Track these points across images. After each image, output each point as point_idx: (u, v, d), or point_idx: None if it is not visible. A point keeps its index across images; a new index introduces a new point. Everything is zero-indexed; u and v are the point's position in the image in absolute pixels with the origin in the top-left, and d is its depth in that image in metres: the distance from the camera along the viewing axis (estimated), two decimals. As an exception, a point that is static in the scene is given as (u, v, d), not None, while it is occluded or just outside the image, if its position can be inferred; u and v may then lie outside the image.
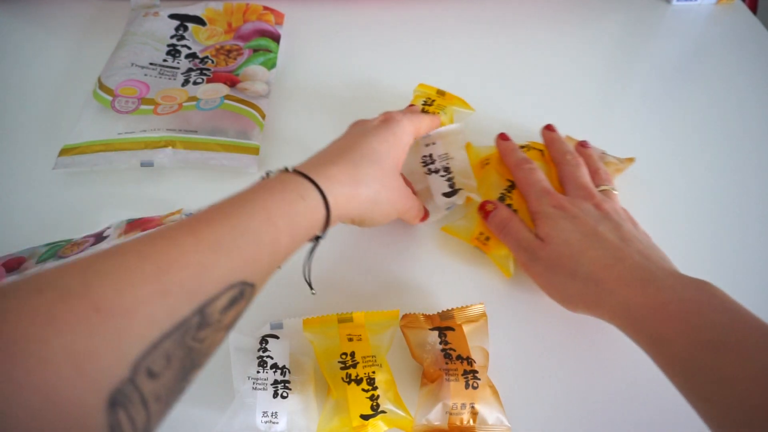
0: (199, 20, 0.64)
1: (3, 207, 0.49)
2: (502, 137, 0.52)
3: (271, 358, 0.38)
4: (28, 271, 0.43)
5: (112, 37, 0.62)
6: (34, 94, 0.59)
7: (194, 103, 0.55)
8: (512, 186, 0.49)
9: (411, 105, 0.53)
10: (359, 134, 0.41)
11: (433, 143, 0.51)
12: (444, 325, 0.41)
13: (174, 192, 0.51)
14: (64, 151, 0.51)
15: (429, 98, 0.53)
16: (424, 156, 0.50)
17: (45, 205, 0.50)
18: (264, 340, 0.39)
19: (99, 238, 0.45)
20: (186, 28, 0.63)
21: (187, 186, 0.51)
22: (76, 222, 0.48)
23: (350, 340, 0.40)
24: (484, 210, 0.47)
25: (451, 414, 0.37)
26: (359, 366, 0.38)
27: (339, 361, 0.39)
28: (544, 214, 0.43)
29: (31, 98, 0.58)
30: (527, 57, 0.65)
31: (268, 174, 0.36)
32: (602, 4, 0.72)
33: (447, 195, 0.48)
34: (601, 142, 0.53)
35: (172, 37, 0.62)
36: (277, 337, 0.40)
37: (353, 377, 0.38)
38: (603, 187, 0.47)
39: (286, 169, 0.36)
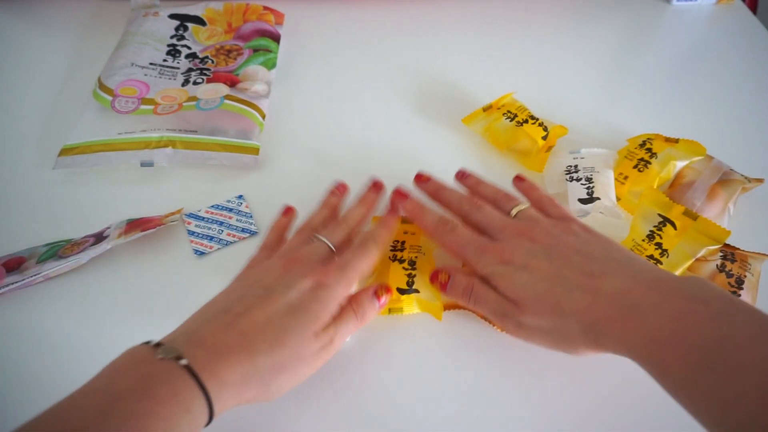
0: (199, 20, 0.64)
1: (3, 207, 0.49)
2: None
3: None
4: (27, 270, 0.43)
5: (112, 37, 0.62)
6: (34, 94, 0.59)
7: (194, 103, 0.55)
8: (664, 222, 0.46)
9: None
10: (271, 308, 0.36)
11: (582, 157, 0.51)
12: None
13: (174, 192, 0.51)
14: (64, 151, 0.51)
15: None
16: (569, 166, 0.50)
17: (45, 205, 0.50)
18: None
19: (99, 238, 0.45)
20: (186, 28, 0.63)
21: (187, 186, 0.51)
22: (76, 222, 0.48)
23: (405, 233, 0.46)
24: (437, 281, 0.42)
25: None
26: (405, 251, 0.44)
27: (390, 245, 0.44)
28: (496, 275, 0.39)
29: (31, 98, 0.58)
30: (527, 57, 0.65)
31: (158, 345, 0.32)
32: (602, 5, 0.72)
33: (583, 201, 0.48)
34: (601, 142, 0.53)
35: (172, 37, 0.62)
36: None
37: (398, 257, 0.44)
38: (516, 209, 0.43)
39: (175, 356, 0.31)
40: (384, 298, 0.41)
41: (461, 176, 0.48)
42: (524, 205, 0.43)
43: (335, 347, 0.37)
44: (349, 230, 0.44)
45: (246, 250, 0.47)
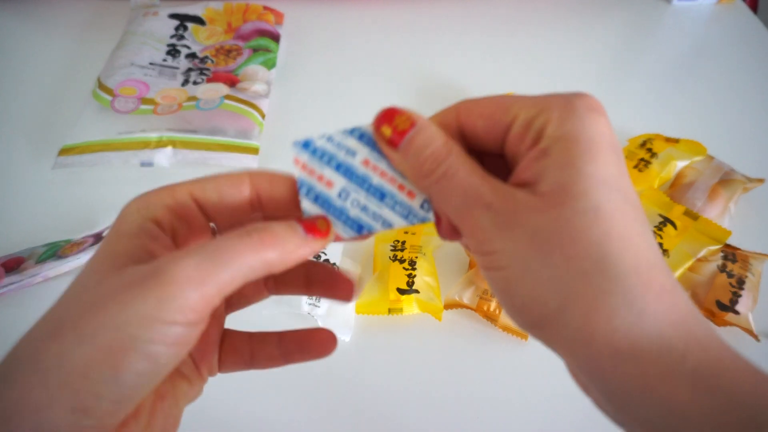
0: (198, 20, 0.64)
1: (3, 207, 0.49)
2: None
3: (325, 254, 0.44)
4: (27, 270, 0.43)
5: (111, 37, 0.62)
6: (34, 94, 0.59)
7: (194, 102, 0.55)
8: (665, 222, 0.46)
9: None
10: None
11: None
12: None
13: (174, 192, 0.51)
14: (64, 151, 0.51)
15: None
16: None
17: (45, 205, 0.50)
18: None
19: (99, 238, 0.45)
20: (186, 28, 0.63)
21: (187, 186, 0.51)
22: (76, 222, 0.48)
23: (406, 233, 0.46)
24: (390, 124, 0.23)
25: (481, 298, 0.42)
26: (406, 251, 0.45)
27: (391, 245, 0.45)
28: None
29: (31, 98, 0.58)
30: (527, 57, 0.65)
31: None
32: (602, 5, 0.72)
33: None
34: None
35: (171, 36, 0.62)
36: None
37: (398, 258, 0.44)
38: None
39: None
40: None
41: None
42: None
43: None
44: None
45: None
